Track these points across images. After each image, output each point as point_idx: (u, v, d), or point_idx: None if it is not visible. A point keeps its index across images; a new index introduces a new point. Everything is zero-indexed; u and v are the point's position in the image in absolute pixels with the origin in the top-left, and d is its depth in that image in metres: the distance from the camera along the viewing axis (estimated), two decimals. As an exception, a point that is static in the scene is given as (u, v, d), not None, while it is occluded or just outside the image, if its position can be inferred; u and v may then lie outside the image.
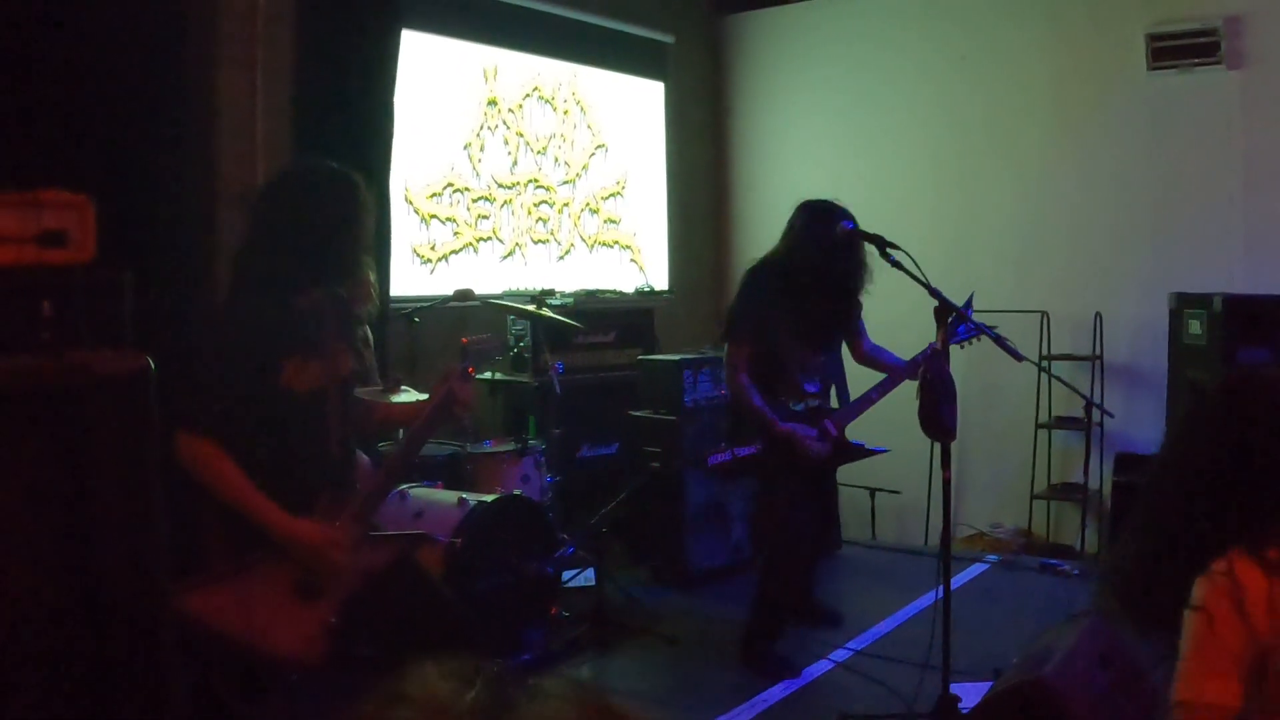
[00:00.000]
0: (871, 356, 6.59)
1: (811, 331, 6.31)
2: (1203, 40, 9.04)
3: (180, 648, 2.24)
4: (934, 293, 5.11)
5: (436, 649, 4.02)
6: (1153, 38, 9.22)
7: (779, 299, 6.25)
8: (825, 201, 6.28)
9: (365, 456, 4.48)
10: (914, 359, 6.17)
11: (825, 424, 6.28)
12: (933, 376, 5.08)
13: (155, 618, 2.18)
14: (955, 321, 5.67)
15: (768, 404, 6.21)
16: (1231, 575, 2.76)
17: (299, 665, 3.88)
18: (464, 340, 4.43)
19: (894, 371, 6.33)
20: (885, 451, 6.51)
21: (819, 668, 6.37)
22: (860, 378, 6.56)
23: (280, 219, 4.17)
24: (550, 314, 7.42)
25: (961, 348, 5.96)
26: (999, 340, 5.28)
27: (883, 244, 5.28)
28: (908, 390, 5.70)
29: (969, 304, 5.86)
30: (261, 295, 4.07)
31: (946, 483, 5.14)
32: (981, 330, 5.41)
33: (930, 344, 5.64)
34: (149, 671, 2.15)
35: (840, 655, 6.51)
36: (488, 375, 7.76)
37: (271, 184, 4.45)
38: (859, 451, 6.53)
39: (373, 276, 7.19)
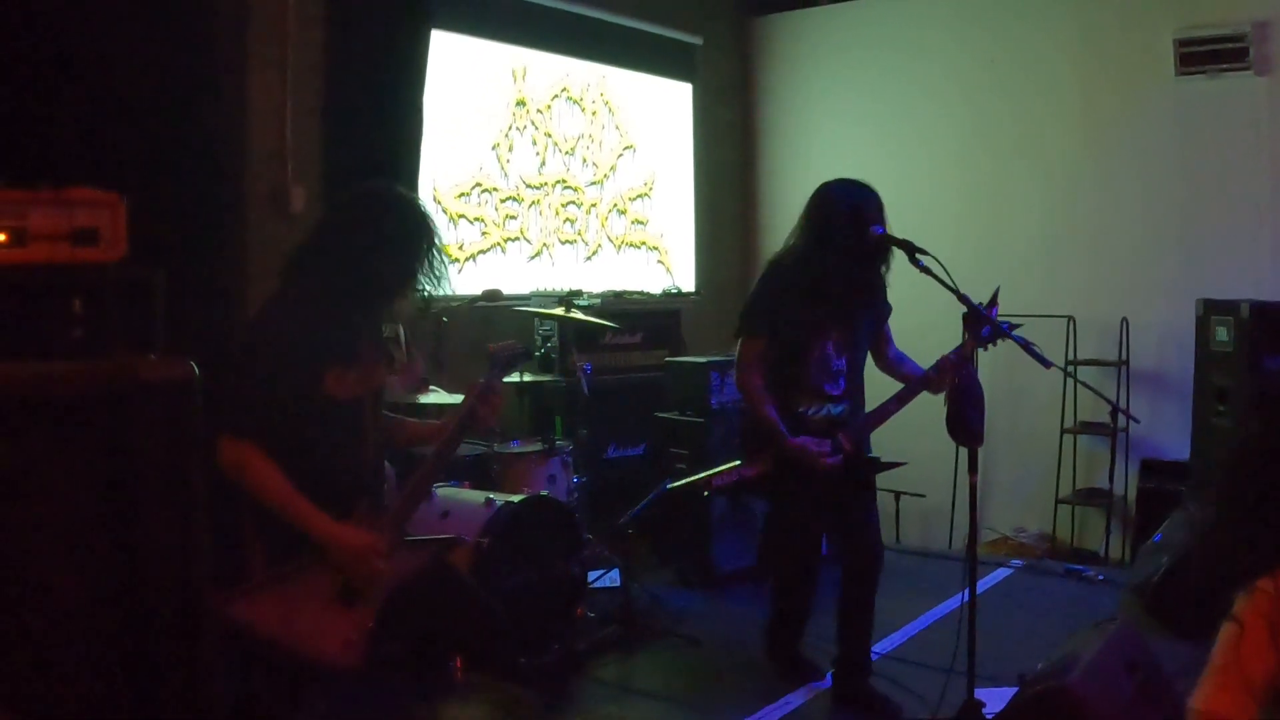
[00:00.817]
0: (895, 364, 6.23)
1: (833, 326, 5.91)
2: (1231, 45, 9.02)
3: (222, 651, 2.26)
4: (963, 299, 5.11)
5: (471, 649, 4.06)
6: (1181, 43, 9.20)
7: (799, 291, 5.84)
8: (851, 189, 5.91)
9: (390, 467, 4.51)
10: (935, 364, 5.72)
11: (839, 437, 5.81)
12: (960, 382, 5.08)
13: (197, 621, 2.20)
14: (980, 323, 5.64)
15: (780, 412, 5.81)
16: (1276, 595, 2.75)
17: (341, 669, 3.91)
18: (490, 348, 4.45)
19: (912, 381, 5.89)
20: (903, 464, 6.35)
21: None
22: (877, 389, 6.29)
23: (348, 235, 4.19)
24: (580, 316, 7.44)
25: (986, 349, 5.80)
26: (1026, 346, 5.26)
27: (912, 249, 5.25)
28: (933, 395, 5.69)
29: (994, 300, 5.69)
30: (311, 305, 4.10)
31: (974, 488, 5.13)
32: (1008, 335, 5.33)
33: (953, 350, 5.61)
34: (191, 673, 2.18)
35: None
36: (515, 376, 7.77)
37: (344, 198, 4.46)
38: (875, 465, 6.17)
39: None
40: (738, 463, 5.88)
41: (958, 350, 5.59)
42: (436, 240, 4.31)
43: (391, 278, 4.22)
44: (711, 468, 6.14)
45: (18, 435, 2.04)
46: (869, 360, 6.20)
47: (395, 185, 4.39)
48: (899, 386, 5.93)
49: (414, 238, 4.24)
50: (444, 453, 4.42)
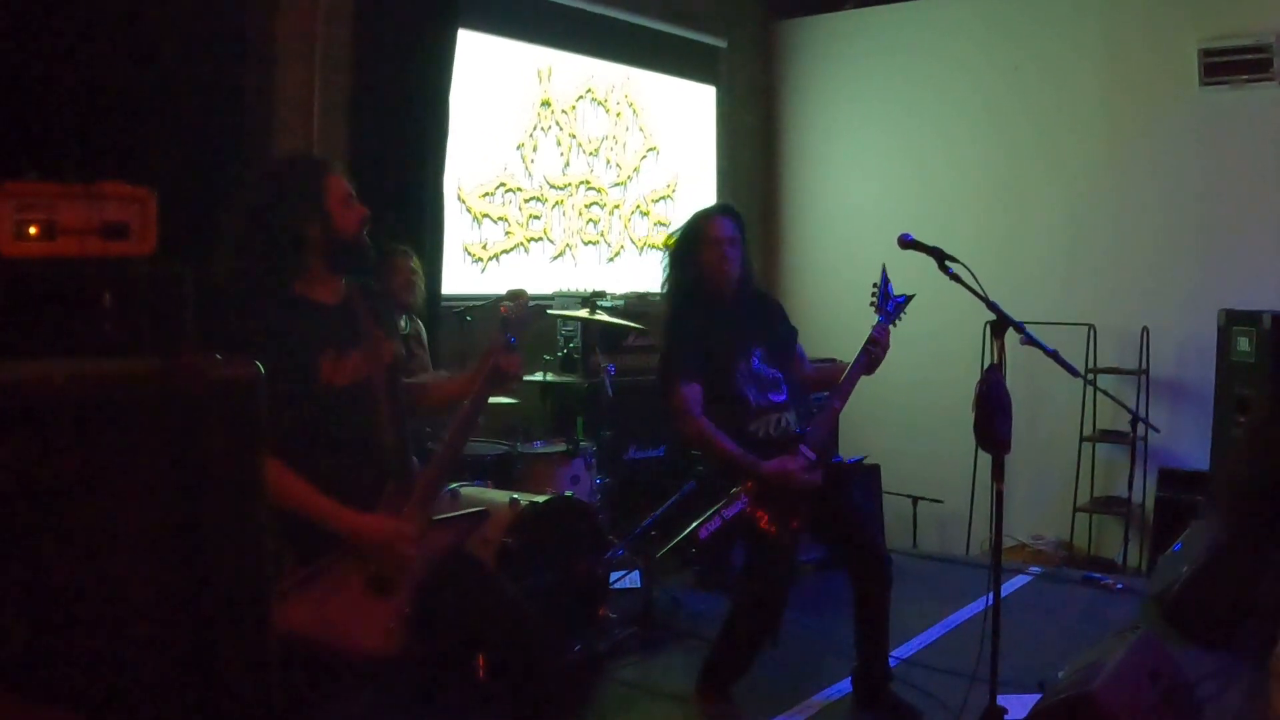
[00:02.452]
0: (818, 376, 6.17)
1: (752, 340, 5.81)
2: (1256, 56, 9.04)
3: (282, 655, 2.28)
4: (992, 306, 5.11)
5: (497, 647, 4.06)
6: (1205, 53, 9.21)
7: (707, 323, 5.77)
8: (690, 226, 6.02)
9: (413, 458, 4.49)
10: (861, 350, 5.64)
11: (802, 451, 5.54)
12: (989, 389, 5.08)
13: (264, 624, 2.21)
14: (885, 299, 5.77)
15: (738, 443, 5.57)
16: None
17: (381, 659, 3.91)
18: (503, 308, 4.43)
19: (847, 371, 5.70)
20: (863, 459, 6.21)
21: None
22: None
23: (249, 219, 4.18)
24: (605, 317, 7.47)
25: (895, 325, 5.79)
26: (1056, 357, 5.27)
27: (941, 256, 5.25)
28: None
29: (886, 279, 5.76)
30: (269, 297, 4.11)
31: (999, 495, 5.13)
32: (1040, 348, 5.32)
33: (873, 328, 5.68)
34: (258, 676, 2.19)
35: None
36: (538, 376, 7.79)
37: (241, 189, 4.43)
38: (846, 469, 5.96)
39: (415, 264, 7.24)
40: (717, 507, 5.55)
41: (877, 327, 5.69)
42: (327, 180, 4.22)
43: (305, 231, 4.13)
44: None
45: (76, 436, 2.05)
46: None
47: (289, 153, 4.34)
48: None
49: (302, 182, 4.19)
50: (463, 426, 4.37)
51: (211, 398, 2.11)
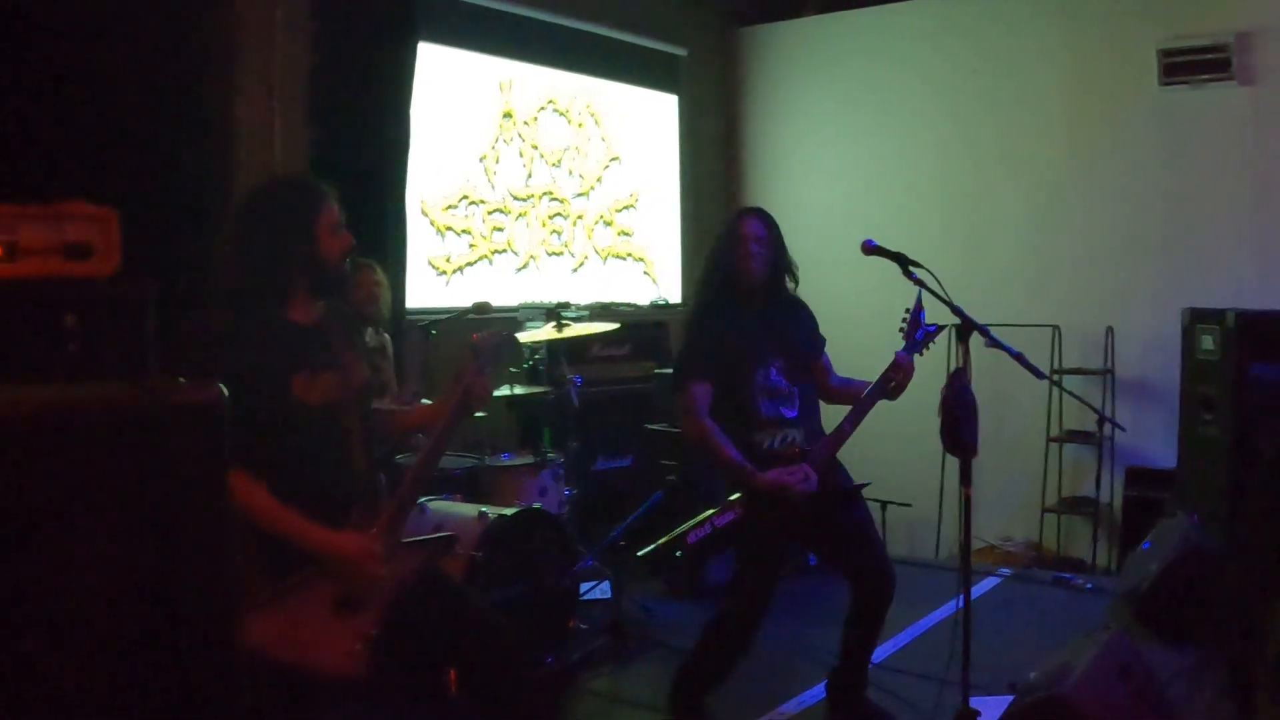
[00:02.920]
0: (842, 389, 6.03)
1: (771, 351, 5.76)
2: (1215, 56, 9.07)
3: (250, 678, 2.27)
4: (957, 311, 5.12)
5: (472, 660, 4.05)
6: (1165, 53, 9.24)
7: (729, 326, 5.72)
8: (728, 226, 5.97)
9: (381, 476, 4.48)
10: (882, 375, 5.62)
11: (804, 468, 5.49)
12: (954, 393, 5.09)
13: (232, 649, 2.20)
14: (915, 327, 5.69)
15: (742, 453, 5.53)
16: None
17: (346, 680, 3.89)
18: (475, 338, 4.42)
19: (863, 395, 5.69)
20: (868, 484, 6.17)
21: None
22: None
23: (239, 234, 4.18)
24: (573, 329, 7.46)
25: (921, 354, 5.78)
26: (1018, 357, 5.28)
27: (905, 262, 5.26)
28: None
29: (919, 306, 5.72)
30: (250, 314, 4.09)
31: (967, 499, 5.14)
32: (1005, 350, 5.33)
33: (896, 354, 5.60)
34: (223, 698, 2.17)
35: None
36: (505, 389, 7.76)
37: (237, 203, 4.43)
38: (844, 493, 5.84)
39: (379, 275, 7.23)
40: (709, 513, 5.51)
41: (902, 353, 5.63)
42: (324, 208, 4.21)
43: (292, 253, 4.14)
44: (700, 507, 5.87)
45: (40, 462, 2.03)
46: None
47: (289, 173, 4.35)
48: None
49: (296, 205, 4.19)
50: (434, 452, 4.37)
51: (175, 421, 2.10)
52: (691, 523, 5.49)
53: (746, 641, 5.67)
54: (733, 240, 5.78)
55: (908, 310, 5.70)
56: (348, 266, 4.31)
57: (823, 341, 6.06)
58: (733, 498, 5.48)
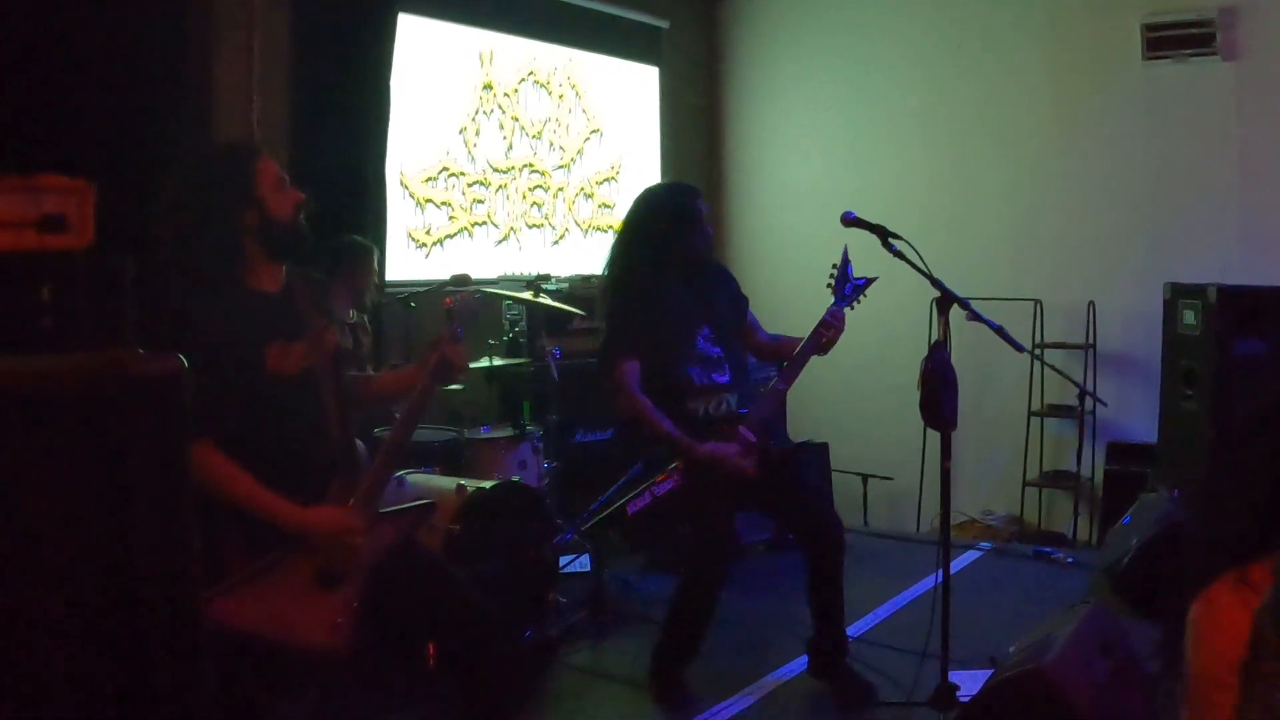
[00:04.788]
0: (771, 345, 6.12)
1: (698, 318, 5.82)
2: (1198, 30, 9.05)
3: (213, 652, 2.24)
4: (936, 283, 5.11)
5: (450, 635, 4.02)
6: (1148, 28, 9.22)
7: (654, 300, 5.76)
8: (672, 191, 6.19)
9: (360, 443, 4.45)
10: (813, 331, 5.64)
11: (741, 433, 5.55)
12: (933, 366, 5.08)
13: (192, 622, 2.17)
14: (843, 281, 5.74)
15: (677, 421, 5.58)
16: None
17: (329, 654, 3.86)
18: (447, 301, 4.39)
19: (795, 352, 5.71)
20: (804, 443, 6.16)
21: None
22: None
23: (179, 210, 4.11)
24: (549, 302, 7.43)
25: (852, 308, 5.75)
26: (999, 330, 5.28)
27: (885, 234, 5.25)
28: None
29: (846, 260, 5.75)
30: (210, 285, 4.04)
31: (946, 473, 5.14)
32: (985, 324, 5.32)
33: (826, 312, 5.65)
34: (184, 675, 2.15)
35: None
36: (484, 362, 7.72)
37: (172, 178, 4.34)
38: (784, 453, 5.90)
39: (378, 263, 7.19)
40: (647, 484, 5.54)
41: (833, 308, 5.67)
42: (256, 165, 4.15)
43: (238, 218, 4.07)
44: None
45: (1, 436, 2.01)
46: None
47: (219, 143, 4.29)
48: None
49: (231, 169, 4.13)
50: (410, 419, 4.35)
51: (133, 393, 2.07)
52: (632, 494, 5.54)
53: (708, 605, 5.70)
54: (691, 222, 5.84)
55: (834, 265, 5.72)
56: (303, 223, 4.25)
57: (746, 301, 6.13)
58: (670, 467, 5.50)
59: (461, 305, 4.38)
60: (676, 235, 5.80)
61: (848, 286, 5.72)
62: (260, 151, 4.24)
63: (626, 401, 5.63)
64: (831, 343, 5.65)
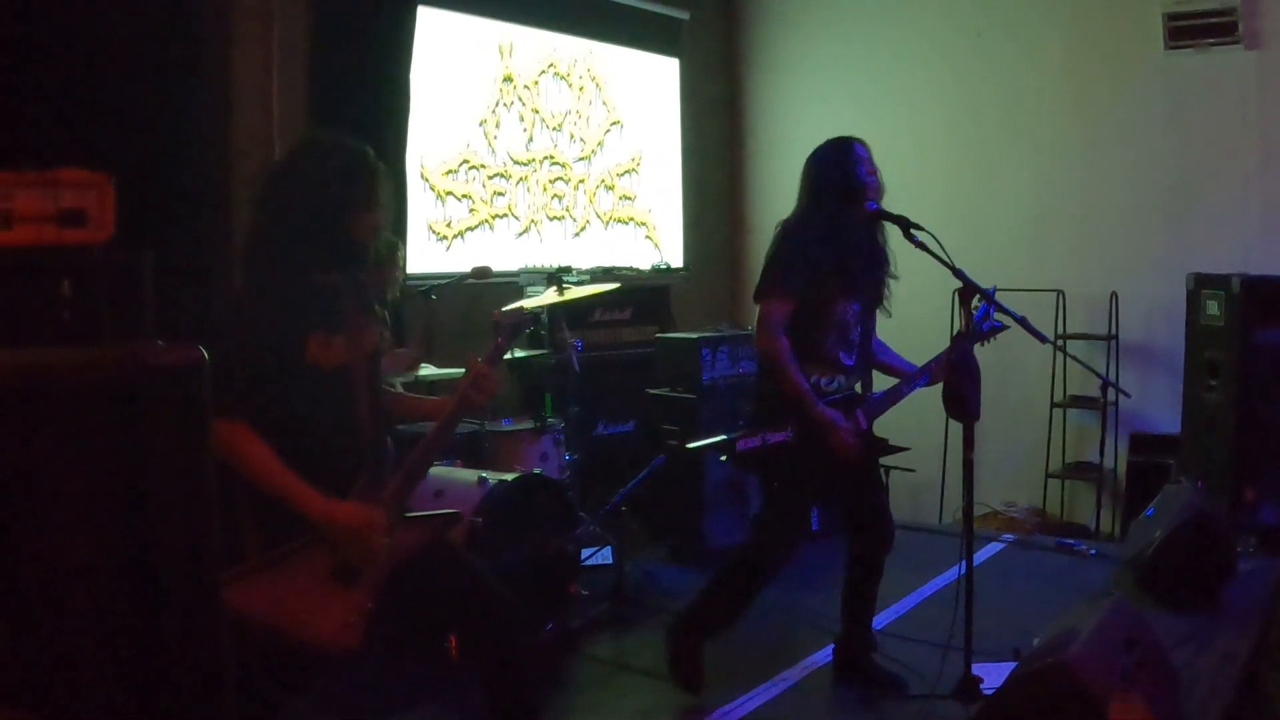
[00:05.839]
0: (876, 351, 5.91)
1: (855, 292, 5.56)
2: (1220, 20, 9.02)
3: (232, 641, 2.24)
4: (959, 274, 5.09)
5: (469, 630, 4.01)
6: (1170, 17, 9.19)
7: (823, 254, 5.45)
8: (842, 151, 5.79)
9: (389, 443, 4.44)
10: (938, 361, 5.55)
11: (858, 414, 5.51)
12: (957, 358, 5.06)
13: (211, 612, 2.17)
14: (978, 309, 5.59)
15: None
16: None
17: (338, 650, 3.86)
18: (495, 314, 4.38)
19: (913, 373, 5.66)
20: (906, 449, 6.15)
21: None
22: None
23: (288, 199, 4.12)
24: (574, 293, 7.39)
25: (984, 344, 5.69)
26: (1022, 321, 5.26)
27: (907, 225, 5.22)
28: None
29: (992, 295, 5.63)
30: (275, 272, 4.04)
31: (969, 464, 5.12)
32: (1008, 315, 5.29)
33: (946, 350, 5.54)
34: (204, 663, 2.15)
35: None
36: (506, 354, 7.71)
37: (280, 162, 4.38)
38: (885, 448, 5.86)
39: (401, 258, 7.19)
40: (762, 429, 5.39)
41: (951, 349, 5.51)
42: (370, 169, 4.17)
43: (343, 233, 4.12)
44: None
45: (19, 426, 2.00)
46: None
47: (330, 134, 4.29)
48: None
49: (344, 174, 4.10)
50: (443, 432, 4.34)
51: (152, 384, 2.07)
52: (744, 432, 5.42)
53: (768, 579, 5.64)
54: (851, 160, 5.66)
55: (976, 303, 5.56)
56: (375, 241, 4.28)
57: (884, 295, 5.85)
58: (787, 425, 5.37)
59: (508, 319, 4.37)
60: (836, 173, 5.63)
61: (985, 325, 5.61)
62: (380, 169, 4.25)
63: (768, 340, 5.42)
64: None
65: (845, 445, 5.38)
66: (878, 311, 5.81)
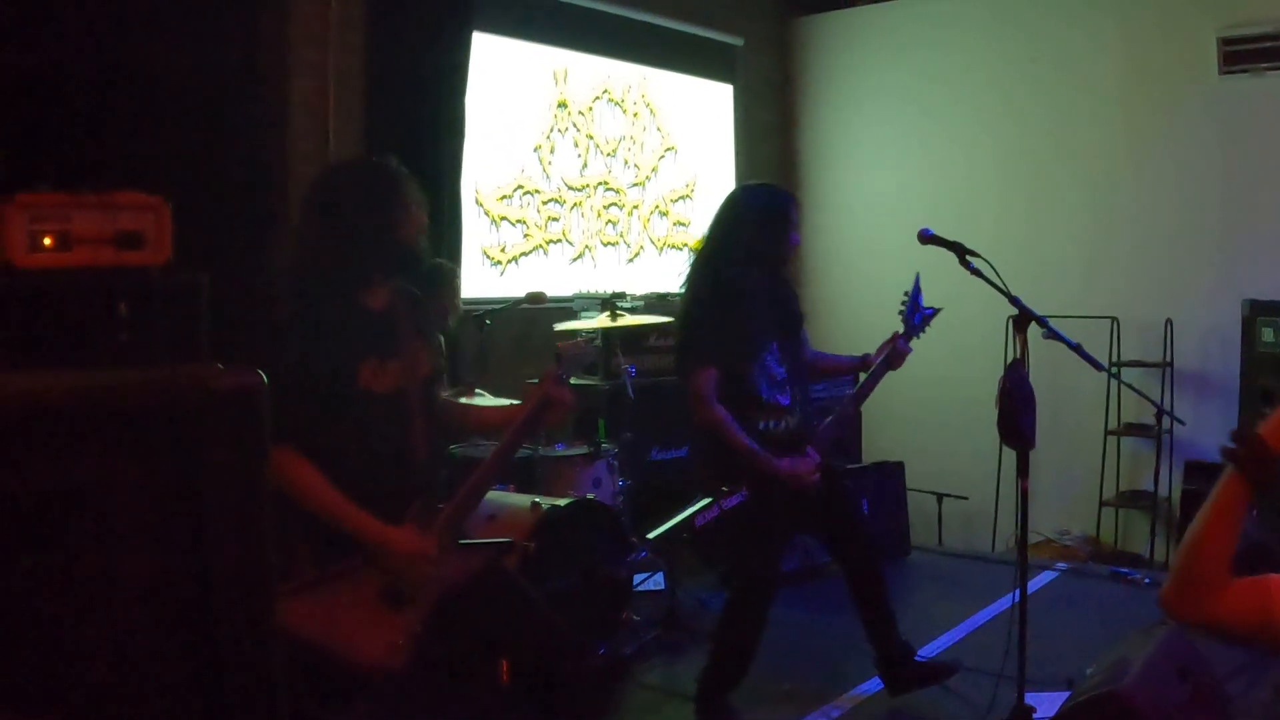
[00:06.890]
0: (816, 363, 6.07)
1: (770, 336, 5.70)
2: (1276, 43, 8.98)
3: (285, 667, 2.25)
4: (1013, 300, 5.08)
5: (521, 655, 4.01)
6: (1224, 41, 9.17)
7: (735, 309, 5.58)
8: (762, 194, 5.90)
9: (442, 471, 4.46)
10: (881, 363, 5.71)
11: (809, 451, 5.56)
12: (1011, 385, 5.05)
13: (267, 638, 2.19)
14: (913, 311, 5.78)
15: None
16: None
17: (383, 672, 3.87)
18: (559, 345, 4.38)
19: (862, 384, 5.78)
20: (860, 465, 6.18)
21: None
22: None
23: (321, 217, 4.15)
24: (626, 320, 7.40)
25: (918, 337, 5.81)
26: (1076, 348, 5.24)
27: (962, 251, 5.21)
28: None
29: (918, 289, 5.80)
30: (325, 298, 4.07)
31: (1024, 492, 5.10)
32: (1063, 342, 5.29)
33: (894, 334, 5.74)
34: (257, 685, 2.17)
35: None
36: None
37: (312, 185, 4.41)
38: (843, 473, 6.00)
39: (458, 285, 7.20)
40: (709, 500, 5.41)
41: (902, 341, 5.76)
42: (392, 172, 4.22)
43: (383, 247, 4.13)
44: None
45: (80, 447, 2.03)
46: None
47: (364, 158, 4.32)
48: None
49: (376, 195, 4.14)
50: (504, 454, 4.34)
51: (212, 408, 2.09)
52: (699, 506, 5.42)
53: (762, 621, 5.63)
54: (782, 226, 5.74)
55: (905, 293, 5.71)
56: (424, 245, 4.30)
57: (802, 318, 6.04)
58: (738, 484, 5.43)
59: (571, 351, 4.36)
60: (769, 234, 5.70)
61: (917, 316, 5.77)
62: (403, 174, 4.27)
63: (706, 412, 5.51)
64: (894, 369, 5.76)
65: (806, 485, 5.50)
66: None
